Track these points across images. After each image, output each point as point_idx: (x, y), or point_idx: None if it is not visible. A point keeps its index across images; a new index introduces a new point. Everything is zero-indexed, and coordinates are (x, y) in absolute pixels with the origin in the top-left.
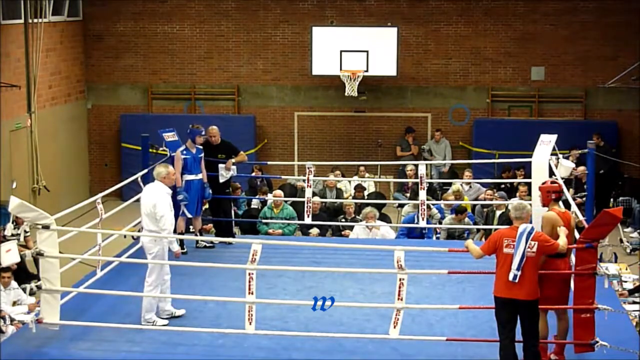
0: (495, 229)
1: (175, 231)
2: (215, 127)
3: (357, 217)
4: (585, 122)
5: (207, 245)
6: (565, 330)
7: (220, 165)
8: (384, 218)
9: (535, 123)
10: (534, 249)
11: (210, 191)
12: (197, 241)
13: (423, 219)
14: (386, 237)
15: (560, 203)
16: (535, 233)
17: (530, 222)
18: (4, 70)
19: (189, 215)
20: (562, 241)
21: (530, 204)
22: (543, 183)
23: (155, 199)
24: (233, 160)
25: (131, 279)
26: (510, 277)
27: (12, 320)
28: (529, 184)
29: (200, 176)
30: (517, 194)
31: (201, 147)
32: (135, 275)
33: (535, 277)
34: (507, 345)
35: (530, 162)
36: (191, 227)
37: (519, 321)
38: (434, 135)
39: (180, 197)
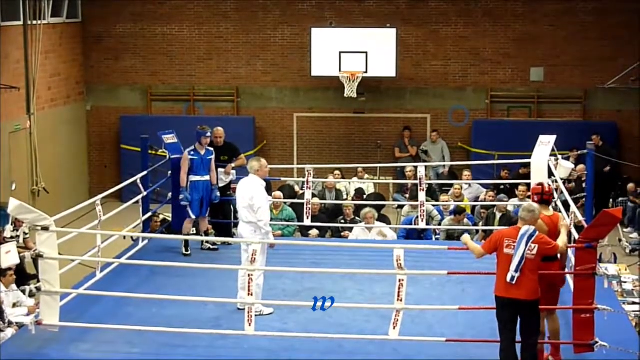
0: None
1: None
2: (221, 129)
3: (357, 218)
4: (585, 123)
5: (212, 247)
6: (557, 330)
7: (220, 170)
8: (384, 219)
9: (534, 124)
10: (534, 252)
11: (218, 194)
12: (202, 243)
13: (422, 220)
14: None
15: (560, 204)
16: (537, 235)
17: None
18: (3, 72)
19: (192, 216)
20: (562, 241)
21: None
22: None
23: (253, 191)
24: (233, 165)
25: (131, 281)
26: (508, 279)
27: (10, 322)
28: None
29: (206, 177)
30: (517, 195)
31: (212, 149)
32: (135, 277)
33: (535, 278)
34: (507, 346)
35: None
36: (194, 229)
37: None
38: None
39: (181, 197)
